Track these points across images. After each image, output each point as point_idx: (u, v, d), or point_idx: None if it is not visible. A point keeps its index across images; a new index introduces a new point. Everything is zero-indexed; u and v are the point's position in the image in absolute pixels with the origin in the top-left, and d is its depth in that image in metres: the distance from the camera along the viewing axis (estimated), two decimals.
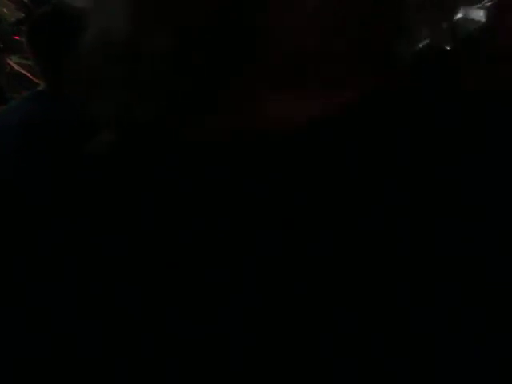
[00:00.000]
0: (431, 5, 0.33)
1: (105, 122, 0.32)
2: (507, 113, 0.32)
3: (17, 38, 4.27)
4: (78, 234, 0.31)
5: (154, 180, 0.32)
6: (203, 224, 0.31)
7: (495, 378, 0.28)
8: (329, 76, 0.30)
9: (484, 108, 0.32)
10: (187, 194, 0.31)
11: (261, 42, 0.29)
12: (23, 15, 4.43)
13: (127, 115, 0.31)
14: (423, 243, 0.29)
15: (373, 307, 0.29)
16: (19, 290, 0.31)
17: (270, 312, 0.29)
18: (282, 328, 0.29)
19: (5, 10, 4.66)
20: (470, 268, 0.29)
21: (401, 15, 0.31)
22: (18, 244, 0.32)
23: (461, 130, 0.31)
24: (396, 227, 0.29)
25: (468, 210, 0.30)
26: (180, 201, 0.31)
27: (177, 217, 0.31)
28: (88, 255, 0.31)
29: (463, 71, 0.33)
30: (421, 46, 0.32)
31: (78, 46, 0.32)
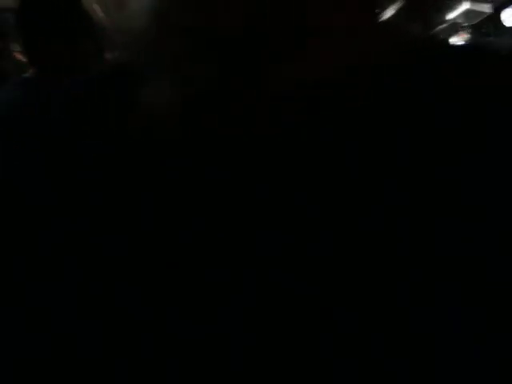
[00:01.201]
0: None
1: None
2: (507, 113, 0.31)
3: None
4: (78, 233, 0.31)
5: (154, 180, 0.31)
6: (203, 224, 0.30)
7: (495, 378, 0.27)
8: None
9: (484, 108, 0.31)
10: (187, 193, 0.31)
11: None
12: None
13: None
14: (423, 243, 0.28)
15: (373, 307, 0.28)
16: (19, 289, 0.31)
17: (270, 312, 0.28)
18: (282, 328, 0.28)
19: None
20: (470, 268, 0.28)
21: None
22: (18, 244, 0.31)
23: (461, 130, 0.30)
24: (396, 227, 0.29)
25: (468, 210, 0.29)
26: (180, 201, 0.31)
27: (177, 217, 0.30)
28: (88, 255, 0.30)
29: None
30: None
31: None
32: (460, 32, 2.82)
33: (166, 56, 0.31)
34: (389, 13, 0.33)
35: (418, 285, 0.28)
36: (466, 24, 2.75)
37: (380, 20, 0.33)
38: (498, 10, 2.74)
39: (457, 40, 2.81)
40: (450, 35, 2.79)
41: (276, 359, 0.28)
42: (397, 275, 0.28)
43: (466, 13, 2.60)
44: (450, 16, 2.68)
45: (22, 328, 0.30)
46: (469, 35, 2.83)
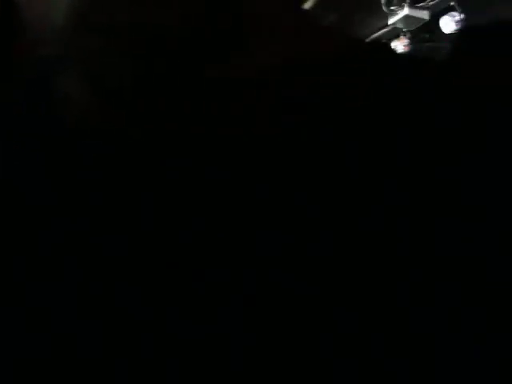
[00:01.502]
0: None
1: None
2: (507, 113, 0.31)
3: None
4: (78, 233, 0.30)
5: (154, 180, 0.31)
6: (203, 224, 0.30)
7: (495, 378, 0.28)
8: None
9: (484, 108, 0.31)
10: (187, 193, 0.31)
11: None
12: None
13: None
14: (423, 243, 0.29)
15: (373, 307, 0.28)
16: (19, 289, 0.30)
17: (269, 312, 0.29)
18: (281, 328, 0.28)
19: None
20: (470, 268, 0.28)
21: None
22: (18, 244, 0.31)
23: (461, 130, 0.31)
24: (396, 227, 0.29)
25: (468, 210, 0.29)
26: (180, 201, 0.31)
27: (177, 217, 0.30)
28: (88, 255, 0.30)
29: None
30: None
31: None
32: (400, 37, 2.91)
33: (82, 51, 0.31)
34: (332, 18, 0.34)
35: (418, 285, 0.28)
36: (405, 29, 2.84)
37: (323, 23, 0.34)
38: (436, 17, 2.84)
39: (397, 44, 2.90)
40: (391, 39, 2.87)
41: (276, 359, 0.28)
42: (397, 275, 0.28)
43: (406, 18, 2.68)
44: (391, 21, 2.76)
45: (22, 328, 0.30)
46: (408, 40, 2.92)
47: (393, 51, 0.37)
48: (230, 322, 0.29)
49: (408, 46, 2.88)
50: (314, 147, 0.30)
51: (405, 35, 2.90)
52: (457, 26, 2.81)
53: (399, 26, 2.81)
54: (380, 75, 0.32)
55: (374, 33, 2.71)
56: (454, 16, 2.90)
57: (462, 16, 2.84)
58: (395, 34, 2.85)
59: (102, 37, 0.31)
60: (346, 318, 0.28)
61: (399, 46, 2.90)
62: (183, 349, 0.29)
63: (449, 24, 2.92)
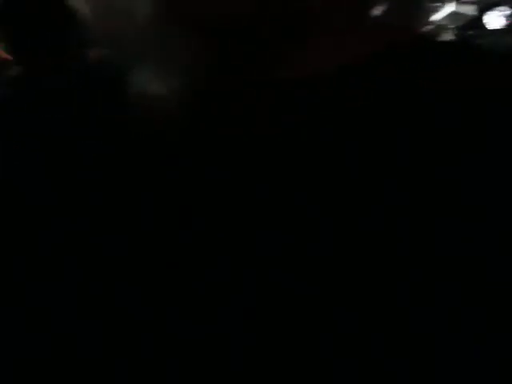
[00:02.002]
0: None
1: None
2: (507, 113, 0.31)
3: None
4: (78, 233, 0.31)
5: (154, 180, 0.31)
6: (203, 224, 0.30)
7: (495, 378, 0.27)
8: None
9: (484, 108, 0.31)
10: (187, 193, 0.31)
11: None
12: None
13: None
14: (423, 243, 0.28)
15: (373, 307, 0.28)
16: (19, 289, 0.31)
17: (270, 312, 0.28)
18: (281, 328, 0.28)
19: None
20: (470, 268, 0.28)
21: None
22: (18, 244, 0.31)
23: (461, 130, 0.30)
24: (396, 227, 0.29)
25: (468, 210, 0.29)
26: (180, 201, 0.31)
27: (177, 217, 0.30)
28: (88, 255, 0.30)
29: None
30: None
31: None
32: (445, 34, 2.88)
33: (161, 47, 0.31)
34: (378, 13, 0.33)
35: (418, 285, 0.28)
36: (450, 26, 2.82)
37: (373, 20, 0.33)
38: (481, 13, 2.81)
39: (443, 41, 2.86)
40: (436, 37, 2.85)
41: (276, 359, 0.28)
42: (397, 275, 0.28)
43: (451, 15, 2.67)
44: (435, 18, 2.75)
45: (22, 328, 0.30)
46: (453, 37, 2.89)
47: (431, 45, 0.35)
48: (230, 322, 0.28)
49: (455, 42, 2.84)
50: (314, 147, 0.30)
51: (451, 31, 2.87)
52: (503, 21, 2.77)
53: (444, 22, 2.79)
54: (379, 74, 0.31)
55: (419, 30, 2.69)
56: (502, 11, 2.87)
57: (509, 12, 2.80)
58: (440, 31, 2.83)
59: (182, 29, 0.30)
60: (346, 318, 0.28)
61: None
62: (183, 349, 0.29)
63: (496, 19, 2.87)
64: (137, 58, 0.32)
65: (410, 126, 0.30)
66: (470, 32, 2.94)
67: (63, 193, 0.32)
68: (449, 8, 2.66)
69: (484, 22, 2.76)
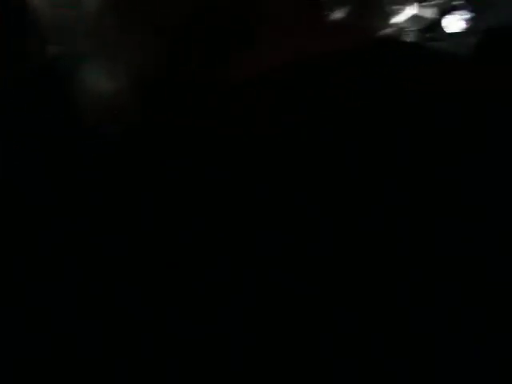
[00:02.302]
0: None
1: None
2: (507, 113, 0.35)
3: None
4: (78, 233, 0.34)
5: (154, 180, 0.34)
6: (203, 224, 0.33)
7: (495, 378, 0.31)
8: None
9: (484, 108, 0.34)
10: (187, 193, 0.33)
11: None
12: None
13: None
14: (423, 243, 0.32)
15: (373, 307, 0.31)
16: (19, 289, 0.34)
17: (269, 312, 0.31)
18: (281, 328, 0.32)
19: None
20: (470, 268, 0.31)
21: None
22: (18, 244, 0.35)
23: (461, 130, 0.34)
24: (396, 227, 0.32)
25: (468, 210, 0.32)
26: (180, 201, 0.34)
27: (177, 217, 0.34)
28: (88, 255, 0.34)
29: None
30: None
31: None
32: (405, 36, 2.92)
33: (113, 45, 0.34)
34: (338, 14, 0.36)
35: (418, 285, 0.31)
36: (411, 29, 2.86)
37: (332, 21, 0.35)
38: (441, 16, 2.86)
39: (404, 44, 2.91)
40: (396, 39, 2.89)
41: (276, 359, 0.31)
42: (397, 275, 0.31)
43: (412, 18, 2.70)
44: (396, 20, 2.78)
45: (22, 328, 0.33)
46: (414, 39, 2.93)
47: (394, 50, 0.40)
48: (230, 322, 0.32)
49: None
50: (314, 147, 0.34)
51: (408, 35, 2.91)
52: (461, 25, 2.83)
53: (404, 25, 2.83)
54: (381, 75, 0.35)
55: (378, 32, 2.73)
56: (460, 15, 2.92)
57: (468, 15, 2.86)
58: (400, 33, 2.88)
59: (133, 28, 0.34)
60: (346, 318, 0.31)
61: None
62: (183, 349, 0.32)
63: (453, 23, 2.93)
64: (90, 55, 0.35)
65: (396, 127, 0.34)
66: (431, 35, 2.99)
67: (62, 192, 0.35)
68: (410, 11, 2.69)
69: (443, 25, 2.81)
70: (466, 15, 2.58)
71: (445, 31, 2.59)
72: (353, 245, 0.32)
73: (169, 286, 0.33)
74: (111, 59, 0.34)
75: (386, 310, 0.31)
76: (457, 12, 2.55)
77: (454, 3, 2.34)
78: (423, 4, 2.60)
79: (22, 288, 0.34)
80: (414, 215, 0.32)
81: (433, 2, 2.54)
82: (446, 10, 2.53)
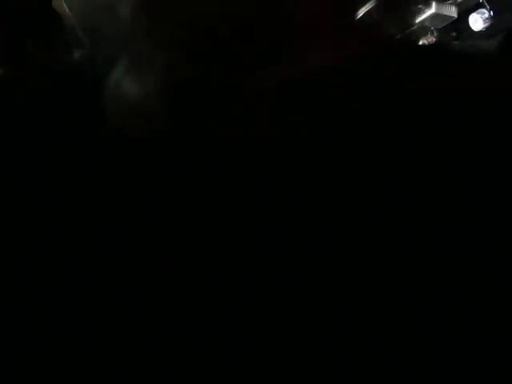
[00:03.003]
0: None
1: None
2: (507, 113, 0.33)
3: None
4: (78, 234, 0.33)
5: (154, 180, 0.33)
6: (203, 224, 0.32)
7: (495, 378, 0.29)
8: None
9: (484, 108, 0.33)
10: (187, 193, 0.32)
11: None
12: None
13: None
14: (423, 243, 0.30)
15: (373, 307, 0.30)
16: (19, 289, 0.33)
17: (269, 312, 0.30)
18: (281, 328, 0.30)
19: None
20: (470, 268, 0.30)
21: None
22: (18, 244, 0.33)
23: (461, 130, 0.32)
24: (396, 227, 0.31)
25: (468, 210, 0.31)
26: (180, 201, 0.32)
27: (177, 217, 0.32)
28: (88, 255, 0.32)
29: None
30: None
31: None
32: (428, 35, 2.89)
33: (148, 48, 0.33)
34: (361, 14, 0.35)
35: (418, 285, 0.30)
36: (433, 27, 2.83)
37: (358, 22, 0.35)
38: (464, 14, 2.84)
39: (425, 43, 2.88)
40: (419, 38, 2.86)
41: (276, 359, 0.30)
42: (397, 275, 0.30)
43: (433, 16, 2.68)
44: (418, 19, 2.76)
45: (21, 328, 0.32)
46: (436, 39, 2.90)
47: (416, 50, 0.39)
48: (230, 322, 0.30)
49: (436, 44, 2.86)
50: (314, 147, 0.32)
51: (433, 33, 2.89)
52: (485, 23, 2.80)
53: (427, 24, 2.81)
54: (396, 74, 0.33)
55: (402, 31, 2.71)
56: (484, 13, 2.90)
57: (491, 13, 2.84)
58: (423, 32, 2.85)
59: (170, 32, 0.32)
60: (346, 317, 0.30)
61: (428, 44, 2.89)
62: (183, 349, 0.30)
63: (478, 21, 2.91)
64: (118, 59, 0.34)
65: (396, 127, 0.32)
66: (453, 34, 2.97)
67: (50, 193, 0.33)
68: (431, 9, 2.68)
69: (465, 23, 2.79)
70: (487, 14, 2.55)
71: (468, 30, 2.56)
72: (352, 245, 0.31)
73: (169, 285, 0.32)
74: (137, 64, 0.33)
75: (385, 310, 0.30)
76: (478, 11, 2.53)
77: (477, 2, 2.31)
78: (446, 3, 2.58)
79: (21, 288, 0.33)
80: (414, 215, 0.31)
81: (455, 1, 2.51)
82: (468, 9, 2.51)
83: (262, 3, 0.31)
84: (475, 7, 2.44)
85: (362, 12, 0.34)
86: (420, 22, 2.60)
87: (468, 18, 2.50)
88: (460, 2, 2.43)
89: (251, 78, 0.32)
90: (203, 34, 0.31)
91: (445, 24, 2.54)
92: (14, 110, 0.38)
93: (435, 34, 2.58)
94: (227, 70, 0.32)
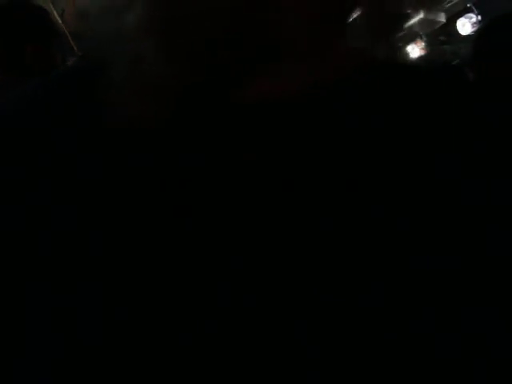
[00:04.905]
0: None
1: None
2: (507, 112, 0.31)
3: None
4: (78, 234, 0.30)
5: (154, 180, 0.31)
6: (203, 224, 0.30)
7: (495, 378, 0.27)
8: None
9: (484, 107, 0.31)
10: (187, 194, 0.30)
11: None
12: None
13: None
14: (423, 243, 0.28)
15: (373, 307, 0.28)
16: (20, 289, 0.30)
17: (269, 312, 0.28)
18: (281, 328, 0.28)
19: None
20: (470, 267, 0.28)
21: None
22: (18, 244, 0.31)
23: (460, 130, 0.30)
24: (396, 226, 0.29)
25: (468, 210, 0.29)
26: (180, 201, 0.30)
27: (177, 217, 0.30)
28: (88, 255, 0.30)
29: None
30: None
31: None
32: (416, 40, 2.91)
33: (140, 58, 0.30)
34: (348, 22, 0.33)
35: (419, 285, 0.28)
36: (421, 32, 2.85)
37: (343, 34, 0.33)
38: (453, 19, 2.84)
39: (414, 48, 2.90)
40: (407, 43, 2.87)
41: (275, 359, 0.27)
42: (397, 275, 0.28)
43: (422, 21, 2.69)
44: (406, 25, 2.76)
45: (21, 328, 0.30)
46: (425, 43, 2.92)
47: (407, 54, 0.38)
48: (229, 322, 0.28)
49: (425, 48, 2.87)
50: (314, 147, 0.30)
51: (421, 38, 2.90)
52: (473, 27, 2.81)
53: (415, 29, 2.82)
54: (391, 78, 0.32)
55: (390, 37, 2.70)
56: (471, 18, 2.90)
57: (479, 18, 2.84)
58: (411, 37, 2.86)
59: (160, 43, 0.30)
60: (346, 316, 0.28)
61: (416, 49, 2.90)
62: (182, 349, 0.28)
63: (466, 26, 2.91)
64: (115, 65, 0.32)
65: (411, 128, 0.30)
66: (441, 38, 2.98)
67: (50, 194, 0.31)
68: (419, 14, 2.69)
69: (453, 28, 2.80)
70: (474, 18, 2.55)
71: (456, 34, 2.56)
72: (353, 245, 0.29)
73: (168, 285, 0.30)
74: (137, 70, 0.31)
75: (386, 310, 0.28)
76: (466, 15, 2.53)
77: (464, 6, 2.32)
78: (434, 7, 2.58)
79: (21, 288, 0.31)
80: (414, 215, 0.29)
81: (443, 6, 2.52)
82: (456, 14, 2.51)
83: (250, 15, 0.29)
84: (463, 12, 2.45)
85: (349, 19, 0.32)
86: (408, 27, 2.61)
87: (456, 22, 2.51)
88: (448, 7, 2.44)
89: (238, 90, 0.31)
90: (198, 46, 0.29)
91: (433, 29, 2.55)
92: (10, 114, 0.36)
93: (424, 38, 2.60)
94: (219, 81, 0.31)
